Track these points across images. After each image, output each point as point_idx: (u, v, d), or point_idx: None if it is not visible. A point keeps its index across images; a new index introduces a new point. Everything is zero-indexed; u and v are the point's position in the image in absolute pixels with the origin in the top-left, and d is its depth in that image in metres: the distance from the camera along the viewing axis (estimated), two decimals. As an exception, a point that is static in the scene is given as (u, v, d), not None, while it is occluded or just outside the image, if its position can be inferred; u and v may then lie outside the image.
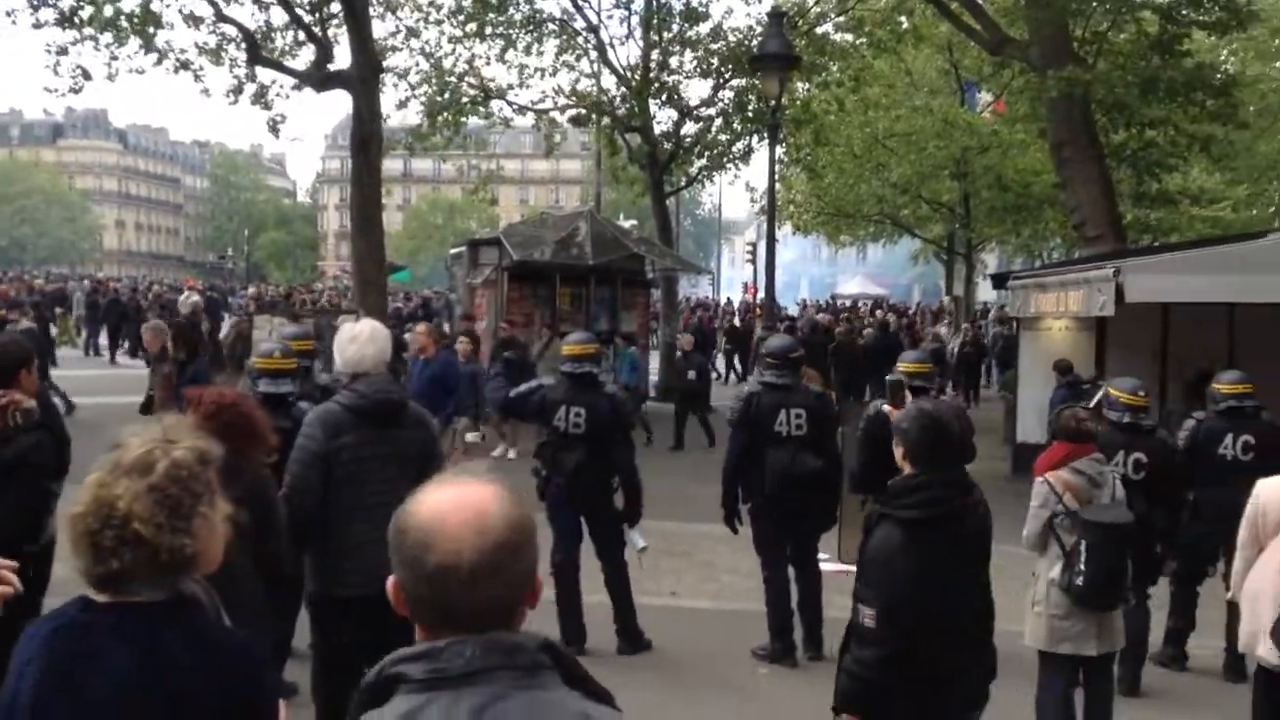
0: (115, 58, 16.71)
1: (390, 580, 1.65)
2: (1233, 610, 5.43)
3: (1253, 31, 21.71)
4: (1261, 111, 26.35)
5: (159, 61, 17.13)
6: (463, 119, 22.17)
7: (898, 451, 3.63)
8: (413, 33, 20.79)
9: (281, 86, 17.80)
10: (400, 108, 21.71)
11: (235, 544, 3.62)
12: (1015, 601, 6.38)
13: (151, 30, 16.46)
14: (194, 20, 17.25)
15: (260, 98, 17.67)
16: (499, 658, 1.55)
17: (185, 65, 17.40)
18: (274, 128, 18.73)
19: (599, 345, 7.47)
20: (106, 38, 16.30)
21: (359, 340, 4.74)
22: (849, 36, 22.58)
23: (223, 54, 17.45)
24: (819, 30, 21.93)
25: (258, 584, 3.76)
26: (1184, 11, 17.26)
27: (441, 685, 1.54)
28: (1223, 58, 26.70)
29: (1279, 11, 28.60)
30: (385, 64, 18.75)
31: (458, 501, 1.62)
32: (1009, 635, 6.25)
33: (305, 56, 17.79)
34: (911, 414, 3.61)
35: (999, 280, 17.24)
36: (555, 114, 22.95)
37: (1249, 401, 6.98)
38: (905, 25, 21.13)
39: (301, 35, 17.44)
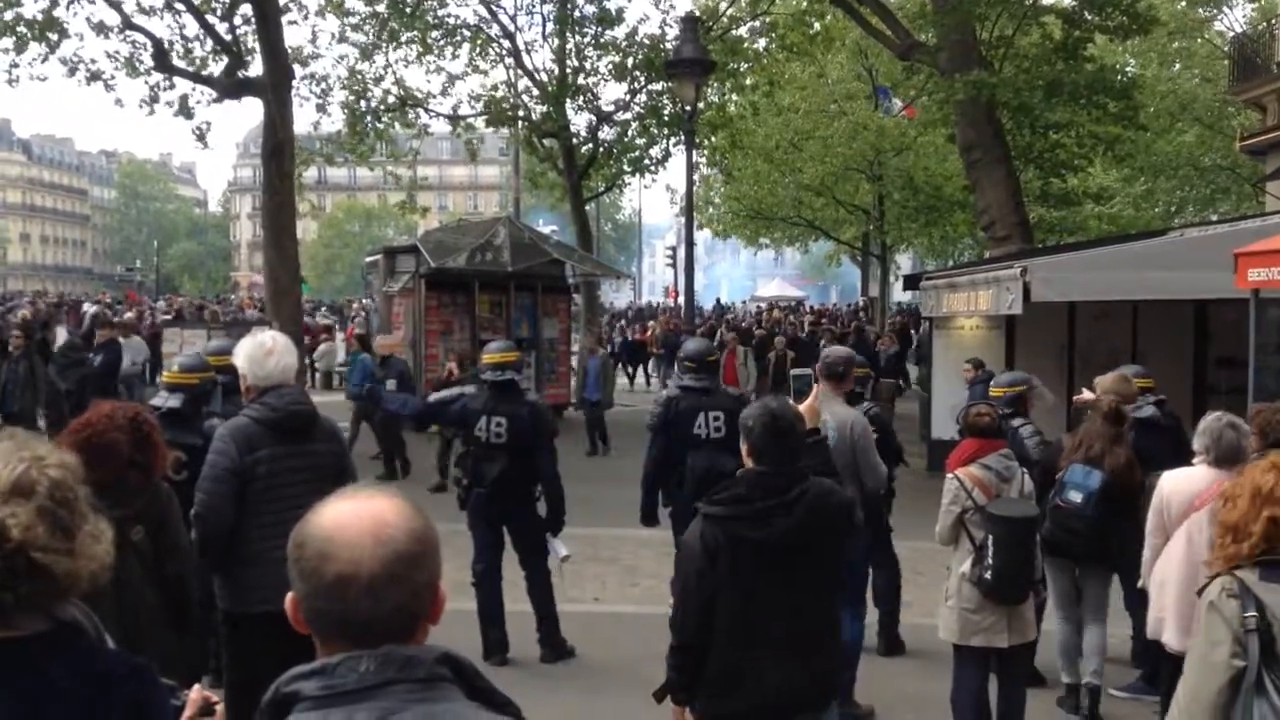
0: (16, 65, 16.29)
1: (289, 596, 1.62)
2: (1141, 597, 5.58)
3: (1153, 35, 22.39)
4: (1160, 112, 27.23)
5: (71, 73, 16.73)
6: (387, 127, 21.95)
7: (744, 449, 3.63)
8: (336, 38, 20.66)
9: (203, 94, 17.46)
10: (320, 111, 21.43)
11: (130, 563, 3.54)
12: (932, 595, 6.51)
13: (54, 36, 16.04)
14: (102, 29, 16.83)
15: (183, 107, 17.29)
16: (394, 671, 1.53)
17: (96, 76, 17.00)
18: (201, 137, 18.30)
19: (519, 352, 7.43)
20: (6, 43, 15.87)
21: (276, 352, 4.62)
22: (762, 40, 22.82)
23: (137, 64, 17.06)
24: (732, 34, 22.10)
25: (155, 603, 3.66)
26: (1087, 16, 17.75)
27: (336, 701, 1.52)
28: (1123, 61, 27.52)
29: (1178, 15, 29.63)
30: (302, 71, 18.50)
31: (357, 512, 1.60)
32: (927, 628, 6.43)
33: (220, 65, 17.44)
34: (755, 412, 3.61)
35: (912, 281, 17.53)
36: (474, 119, 22.84)
37: (1152, 396, 7.19)
38: (816, 28, 21.39)
39: (214, 44, 17.10)
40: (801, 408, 3.93)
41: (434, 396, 7.32)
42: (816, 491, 3.54)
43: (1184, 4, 30.11)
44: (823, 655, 3.63)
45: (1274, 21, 22.00)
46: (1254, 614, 2.55)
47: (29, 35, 15.89)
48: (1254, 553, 2.62)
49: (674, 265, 45.31)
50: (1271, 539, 2.60)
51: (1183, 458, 5.48)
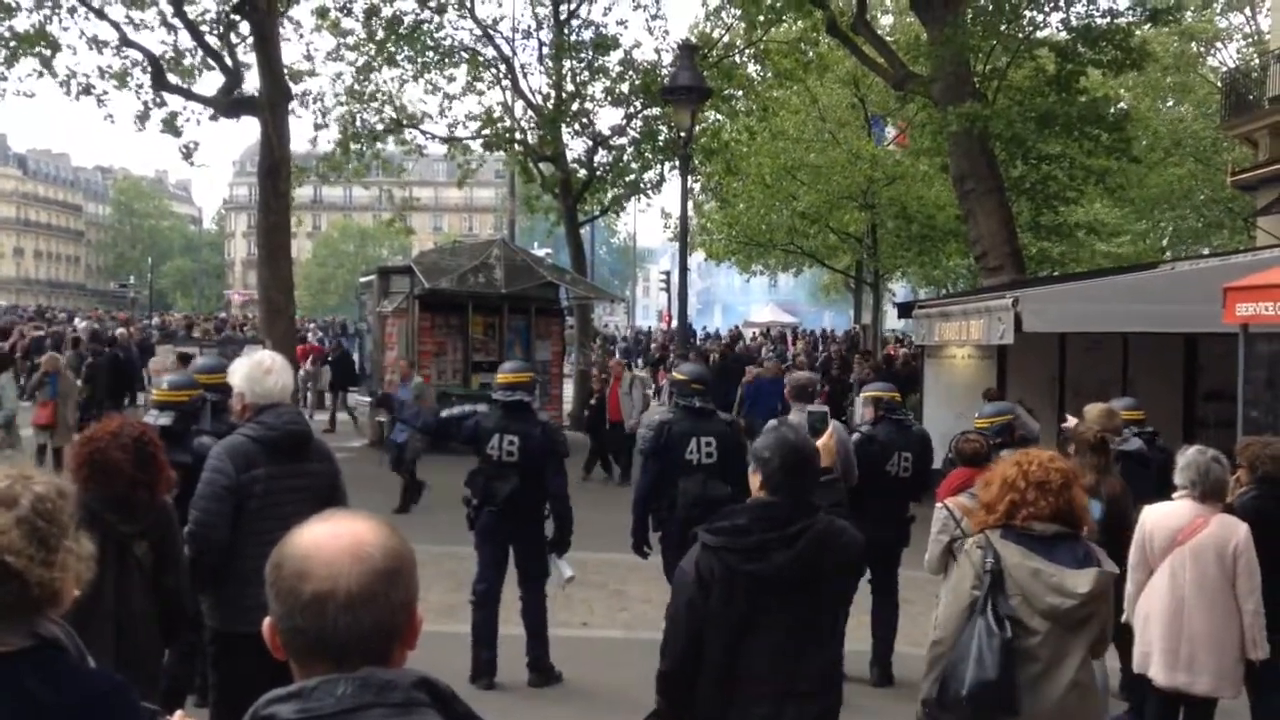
0: (4, 78, 16.37)
1: (266, 620, 1.63)
2: (1126, 631, 5.60)
3: (1146, 70, 22.58)
4: (1153, 146, 27.44)
5: (65, 86, 16.82)
6: (378, 145, 22.04)
7: (755, 479, 3.50)
8: (330, 56, 20.84)
9: (193, 112, 17.54)
10: (319, 129, 21.54)
11: (133, 578, 3.58)
12: (921, 625, 6.52)
13: (48, 51, 16.09)
14: (97, 44, 16.89)
15: (170, 124, 17.33)
16: (371, 695, 1.53)
17: (88, 90, 17.05)
18: (187, 155, 18.30)
19: (533, 373, 7.46)
20: None
21: (274, 371, 4.64)
22: (756, 67, 22.96)
23: (129, 79, 17.12)
24: (727, 61, 22.24)
25: (151, 617, 3.69)
26: (1080, 50, 17.91)
27: None
28: (1117, 92, 27.72)
29: (1173, 51, 29.91)
30: (296, 88, 18.55)
31: (335, 532, 1.62)
32: (916, 657, 6.43)
33: (213, 81, 17.56)
34: (773, 442, 3.48)
35: (905, 309, 17.57)
36: (469, 141, 22.94)
37: (1145, 428, 7.25)
38: (810, 56, 21.53)
39: (209, 60, 17.18)
40: (818, 444, 3.84)
41: (446, 413, 7.33)
42: (824, 528, 3.38)
43: (1177, 40, 30.37)
44: (819, 701, 3.45)
45: (1265, 58, 22.19)
46: (992, 560, 3.61)
47: (21, 49, 15.93)
48: (998, 522, 3.67)
49: (668, 290, 45.39)
50: (1010, 513, 3.64)
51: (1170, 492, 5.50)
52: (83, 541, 2.08)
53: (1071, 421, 6.75)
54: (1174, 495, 5.27)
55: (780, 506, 3.37)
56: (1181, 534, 5.10)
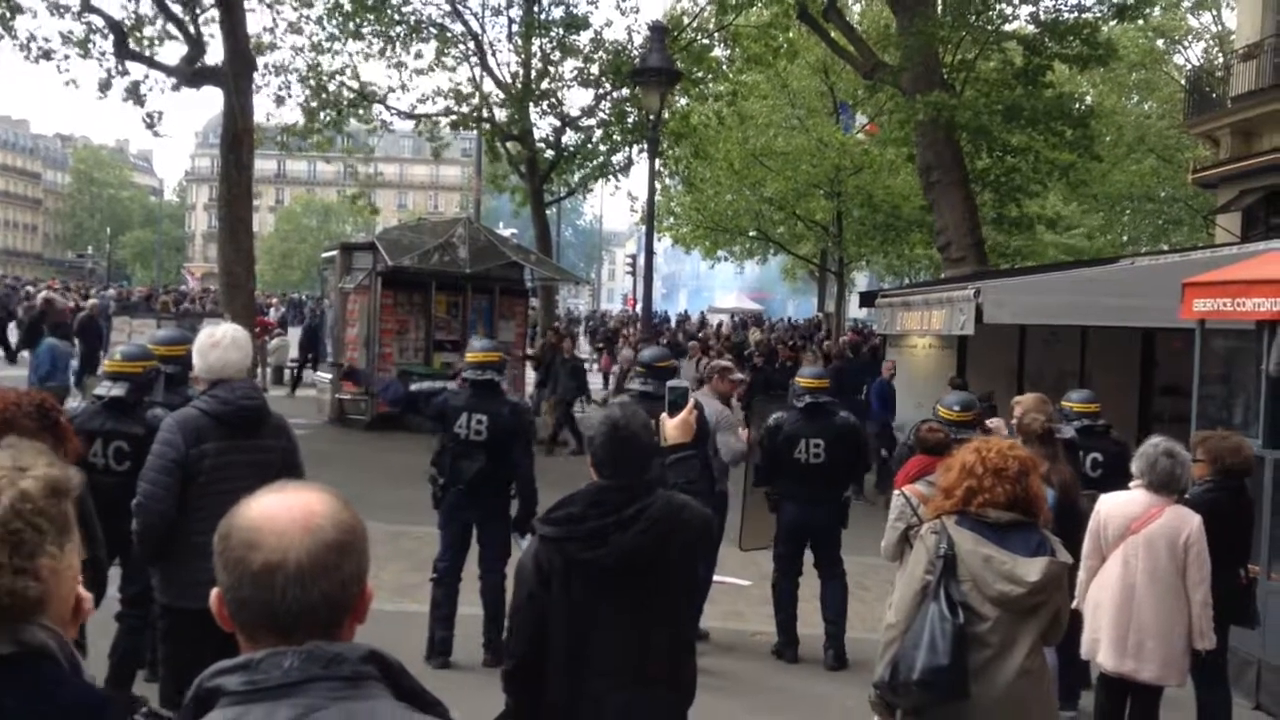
0: None
1: (214, 591, 1.60)
2: (1076, 618, 5.67)
3: (1112, 67, 22.77)
4: (1116, 142, 27.71)
5: (25, 50, 16.49)
6: (343, 120, 21.80)
7: (590, 460, 3.39)
8: (293, 28, 20.50)
9: (156, 81, 17.26)
10: (279, 104, 21.35)
11: None
12: (876, 610, 6.56)
13: (8, 14, 15.77)
14: (58, 8, 16.57)
15: (133, 93, 17.04)
16: (318, 668, 1.51)
17: (48, 55, 16.74)
18: (150, 124, 17.94)
19: (502, 353, 7.41)
20: None
21: (221, 345, 4.57)
22: (725, 51, 22.92)
23: (90, 45, 16.82)
24: (697, 44, 22.18)
25: None
26: (1047, 43, 18.04)
27: (258, 697, 1.50)
28: (1082, 89, 27.95)
29: (1141, 49, 30.17)
30: (261, 59, 18.29)
31: (285, 503, 1.59)
32: (871, 643, 6.47)
33: (175, 49, 17.26)
34: (597, 420, 3.38)
35: (868, 298, 17.63)
36: (437, 119, 22.73)
37: (1098, 421, 7.30)
38: (781, 41, 21.52)
39: (172, 28, 16.90)
40: (674, 422, 3.78)
41: (415, 386, 7.28)
42: (663, 507, 3.26)
43: (1145, 37, 30.64)
44: (670, 686, 3.37)
45: (1229, 57, 22.42)
46: (946, 546, 3.64)
47: None
48: (954, 507, 3.70)
49: (634, 273, 45.37)
50: (967, 499, 3.67)
51: (1124, 483, 5.55)
52: (68, 552, 1.88)
53: (995, 422, 6.77)
54: (1130, 485, 5.33)
55: (611, 489, 3.26)
56: (1135, 523, 5.15)
